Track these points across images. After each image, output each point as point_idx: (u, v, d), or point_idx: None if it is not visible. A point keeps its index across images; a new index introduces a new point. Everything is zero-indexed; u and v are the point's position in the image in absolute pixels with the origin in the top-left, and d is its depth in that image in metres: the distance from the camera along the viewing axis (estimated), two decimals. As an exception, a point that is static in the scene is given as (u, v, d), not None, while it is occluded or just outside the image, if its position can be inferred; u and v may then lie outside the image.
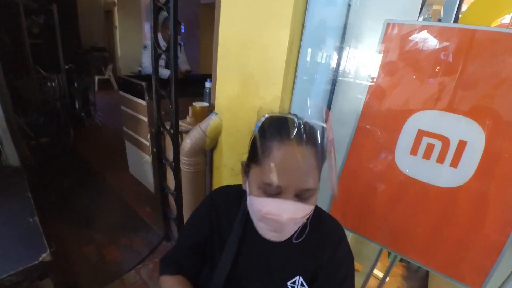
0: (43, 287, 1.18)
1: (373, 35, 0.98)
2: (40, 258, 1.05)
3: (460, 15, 1.25)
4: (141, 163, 2.42)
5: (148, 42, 2.80)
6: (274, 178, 0.47)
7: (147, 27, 5.32)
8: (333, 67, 1.10)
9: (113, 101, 5.10)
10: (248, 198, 0.54)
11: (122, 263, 1.66)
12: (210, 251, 0.65)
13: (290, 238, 0.56)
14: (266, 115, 0.53)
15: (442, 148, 0.80)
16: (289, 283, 0.58)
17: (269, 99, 0.89)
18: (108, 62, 5.89)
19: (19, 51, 2.76)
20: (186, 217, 1.43)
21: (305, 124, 0.50)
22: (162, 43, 2.77)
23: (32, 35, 2.95)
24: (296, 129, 0.48)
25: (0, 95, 1.69)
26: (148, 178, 2.40)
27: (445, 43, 0.78)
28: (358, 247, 1.38)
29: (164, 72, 2.65)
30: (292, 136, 0.48)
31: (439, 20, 2.01)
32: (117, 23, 5.85)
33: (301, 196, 0.49)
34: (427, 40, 0.81)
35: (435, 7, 1.82)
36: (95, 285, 1.50)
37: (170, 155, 1.53)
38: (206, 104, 1.44)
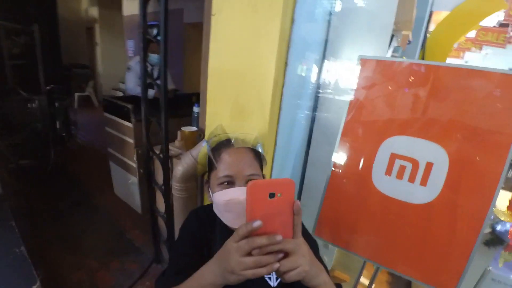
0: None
1: (352, 51, 1.09)
2: (30, 290, 1.05)
3: (428, 35, 1.39)
4: (127, 185, 2.40)
5: (132, 64, 2.83)
6: (226, 170, 0.66)
7: (129, 44, 5.32)
8: (315, 97, 1.20)
9: (93, 119, 5.01)
10: (213, 199, 0.69)
11: (114, 287, 1.64)
12: (201, 263, 0.70)
13: None
14: (212, 138, 0.77)
15: (413, 169, 0.89)
16: None
17: (257, 129, 0.96)
18: (89, 79, 5.81)
19: (-1, 73, 2.70)
20: (178, 240, 1.45)
21: (239, 136, 0.73)
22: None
23: (13, 56, 2.90)
24: (234, 140, 0.71)
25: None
26: (134, 199, 2.38)
27: (412, 77, 0.89)
28: (345, 260, 1.46)
29: (149, 92, 2.67)
30: (232, 143, 0.70)
31: (409, 42, 2.19)
32: (98, 39, 5.81)
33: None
34: (397, 74, 0.91)
35: (404, 32, 1.97)
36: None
37: (159, 177, 1.56)
38: (194, 128, 1.50)
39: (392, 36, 1.24)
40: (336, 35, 1.10)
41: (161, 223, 1.67)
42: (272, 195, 0.43)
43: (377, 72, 0.95)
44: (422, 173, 0.88)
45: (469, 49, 4.19)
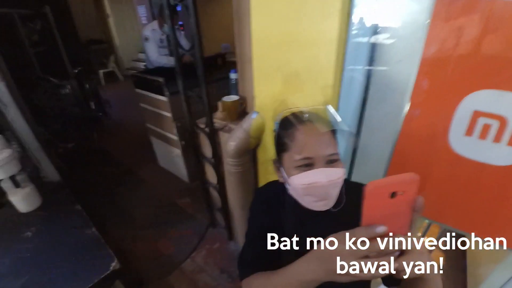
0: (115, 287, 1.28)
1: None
2: (111, 268, 1.13)
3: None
4: (170, 157, 2.48)
5: (148, 33, 2.68)
6: (304, 152, 0.60)
7: (140, 10, 5.08)
8: (371, 47, 1.06)
9: (123, 94, 5.06)
10: (289, 183, 0.65)
11: (176, 253, 1.80)
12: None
13: (329, 210, 0.66)
14: (281, 114, 0.70)
15: (500, 128, 0.79)
16: None
17: (316, 95, 0.89)
18: (108, 54, 5.76)
19: (24, 63, 2.72)
20: (234, 211, 1.50)
21: (311, 111, 0.66)
22: (159, 32, 2.62)
23: (33, 43, 2.87)
24: (308, 115, 0.65)
25: (22, 113, 1.68)
26: (180, 169, 2.47)
27: (500, 17, 0.73)
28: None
29: (164, 60, 2.60)
30: (306, 119, 0.63)
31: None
32: (109, 10, 5.60)
33: (329, 162, 0.61)
34: (483, 13, 0.76)
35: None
36: (158, 277, 1.65)
37: (205, 150, 1.57)
38: (236, 97, 1.44)
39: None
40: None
41: (213, 191, 1.73)
42: (393, 195, 0.39)
43: (455, 14, 0.79)
44: (511, 132, 0.78)
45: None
